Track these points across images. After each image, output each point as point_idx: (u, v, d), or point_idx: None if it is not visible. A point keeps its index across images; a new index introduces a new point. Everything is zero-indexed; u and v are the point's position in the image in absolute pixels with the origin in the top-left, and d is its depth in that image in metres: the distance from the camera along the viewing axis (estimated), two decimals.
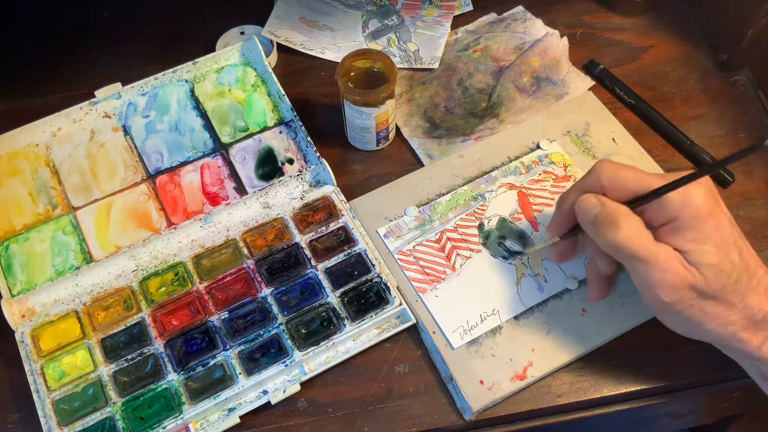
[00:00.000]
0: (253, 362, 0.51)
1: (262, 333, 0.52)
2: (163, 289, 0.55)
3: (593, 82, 0.66)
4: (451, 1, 0.73)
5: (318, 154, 0.59)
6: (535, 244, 0.55)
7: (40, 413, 0.50)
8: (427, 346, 0.53)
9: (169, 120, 0.62)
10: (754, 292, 0.43)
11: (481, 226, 0.57)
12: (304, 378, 0.51)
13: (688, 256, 0.43)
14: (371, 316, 0.53)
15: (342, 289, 0.54)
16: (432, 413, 0.50)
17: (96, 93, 0.61)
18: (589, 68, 0.67)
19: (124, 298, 0.55)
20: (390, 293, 0.53)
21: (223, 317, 0.53)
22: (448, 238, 0.56)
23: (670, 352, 0.51)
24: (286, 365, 0.51)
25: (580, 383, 0.51)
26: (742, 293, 0.43)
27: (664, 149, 0.62)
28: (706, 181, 0.43)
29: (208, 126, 0.62)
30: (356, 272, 0.55)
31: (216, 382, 0.51)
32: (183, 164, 0.60)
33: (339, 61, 0.63)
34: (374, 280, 0.54)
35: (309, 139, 0.60)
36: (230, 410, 0.50)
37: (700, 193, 0.43)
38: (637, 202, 0.44)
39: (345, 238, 0.57)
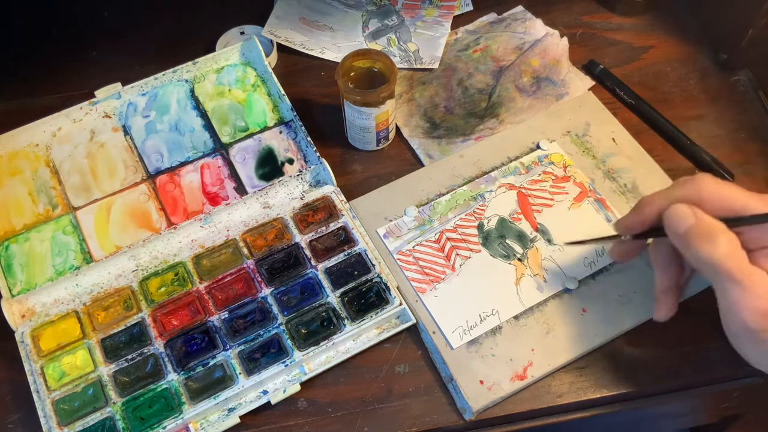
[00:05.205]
0: (253, 362, 0.51)
1: (262, 333, 0.52)
2: (163, 289, 0.55)
3: (593, 82, 0.66)
4: (451, 1, 0.73)
5: (318, 154, 0.59)
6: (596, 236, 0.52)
7: (40, 413, 0.50)
8: (427, 346, 0.53)
9: (169, 120, 0.62)
10: None
11: (480, 226, 0.57)
12: (304, 378, 0.51)
13: None
14: (371, 316, 0.53)
15: (342, 289, 0.54)
16: (432, 413, 0.50)
17: (96, 93, 0.61)
18: (589, 68, 0.67)
19: (124, 298, 0.55)
20: (390, 293, 0.53)
21: (223, 317, 0.53)
22: (448, 238, 0.56)
23: (670, 352, 0.51)
24: (286, 365, 0.51)
25: (580, 383, 0.51)
26: None
27: (664, 149, 0.62)
28: None
29: (208, 126, 0.62)
30: (356, 272, 0.55)
31: (216, 382, 0.51)
32: (183, 164, 0.60)
33: (339, 61, 0.63)
34: (374, 280, 0.54)
35: (309, 139, 0.60)
36: (230, 410, 0.50)
37: None
38: (738, 222, 0.42)
39: (345, 238, 0.57)
